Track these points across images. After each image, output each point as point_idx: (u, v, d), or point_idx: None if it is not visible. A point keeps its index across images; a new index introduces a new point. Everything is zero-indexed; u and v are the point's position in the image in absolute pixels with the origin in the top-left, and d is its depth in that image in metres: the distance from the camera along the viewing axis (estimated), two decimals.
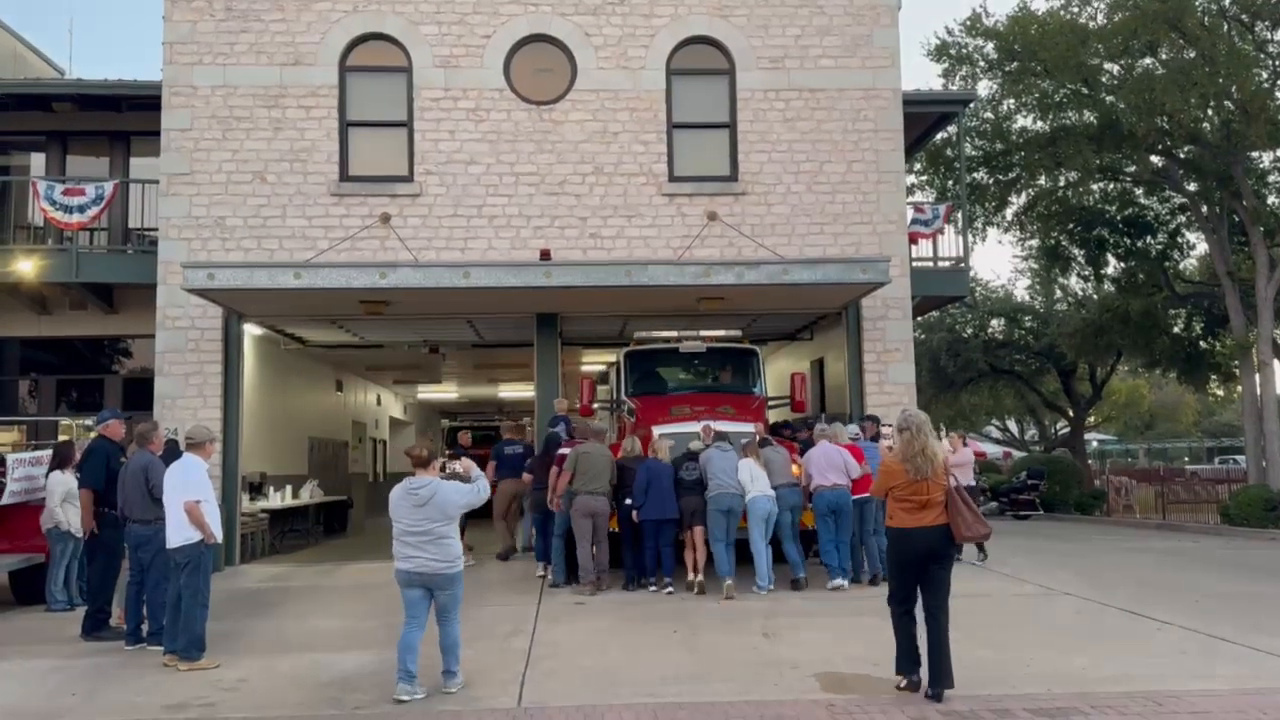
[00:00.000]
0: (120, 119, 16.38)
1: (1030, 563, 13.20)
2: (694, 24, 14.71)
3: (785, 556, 11.13)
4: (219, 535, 8.04)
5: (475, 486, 7.11)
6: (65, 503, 10.07)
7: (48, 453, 11.07)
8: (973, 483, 13.41)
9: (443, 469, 7.30)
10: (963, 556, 12.89)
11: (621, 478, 11.20)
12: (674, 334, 14.46)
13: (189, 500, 7.76)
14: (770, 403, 14.75)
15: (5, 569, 10.64)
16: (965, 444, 13.90)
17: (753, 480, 10.85)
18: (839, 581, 10.89)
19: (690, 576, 10.86)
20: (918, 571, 6.64)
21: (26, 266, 14.75)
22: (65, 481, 10.08)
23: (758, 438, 11.58)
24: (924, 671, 6.67)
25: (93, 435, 9.60)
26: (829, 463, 11.02)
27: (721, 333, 14.73)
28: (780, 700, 6.58)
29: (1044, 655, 7.70)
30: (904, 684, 6.70)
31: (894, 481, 6.69)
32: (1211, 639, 8.25)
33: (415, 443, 7.29)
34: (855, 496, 11.04)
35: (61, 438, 12.77)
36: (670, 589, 10.78)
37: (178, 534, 7.80)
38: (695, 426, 11.72)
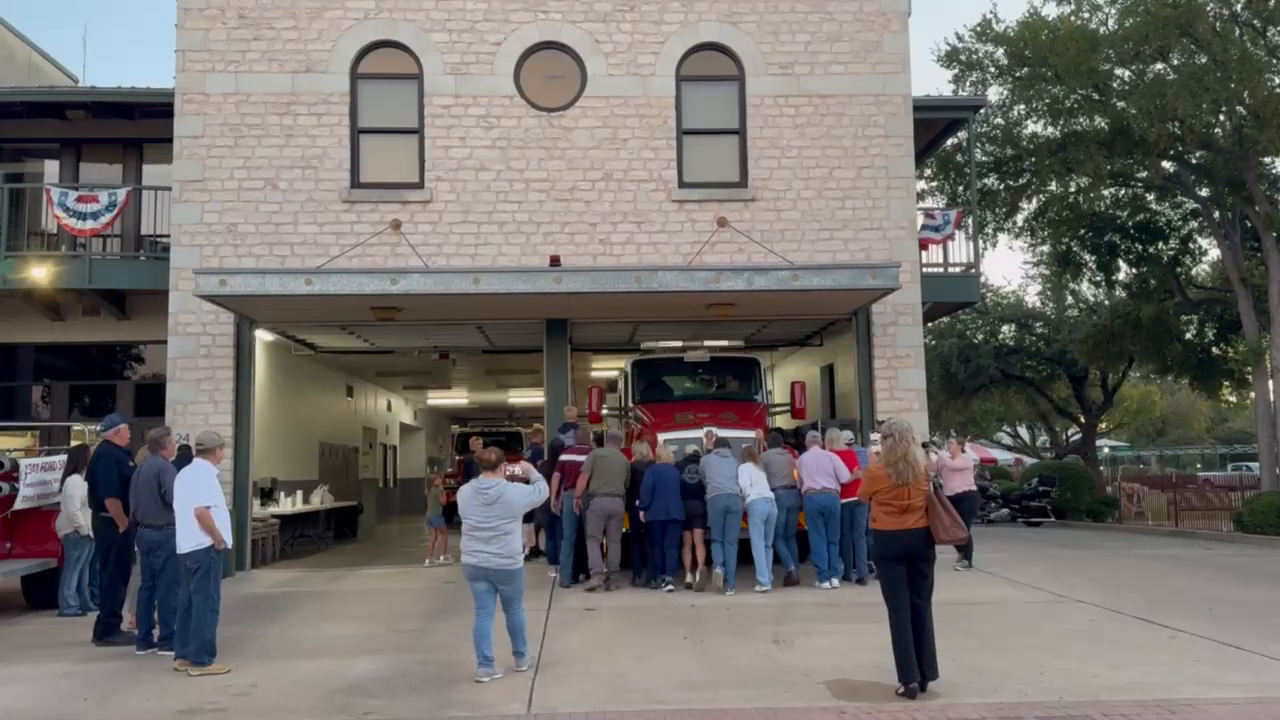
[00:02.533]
0: (133, 126, 16.47)
1: (1042, 570, 13.13)
2: (704, 30, 14.73)
3: (778, 555, 11.67)
4: (229, 540, 8.06)
5: (536, 488, 7.82)
6: (84, 507, 10.08)
7: (60, 458, 11.14)
8: (972, 487, 13.30)
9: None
10: (970, 563, 12.90)
11: (634, 481, 11.75)
12: (678, 343, 14.96)
13: (199, 506, 7.78)
14: (772, 409, 15.30)
15: (18, 574, 10.69)
16: (964, 449, 13.86)
17: (752, 484, 11.34)
18: (826, 584, 11.44)
19: (689, 575, 11.50)
20: (903, 571, 6.90)
21: (40, 273, 14.85)
22: (83, 485, 10.08)
23: (760, 443, 12.18)
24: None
25: (99, 440, 9.60)
26: (819, 467, 11.63)
27: (724, 343, 15.18)
28: (791, 708, 6.56)
29: (1056, 663, 7.66)
30: (902, 690, 6.78)
31: (877, 486, 7.01)
32: (1225, 647, 8.20)
33: (485, 449, 8.01)
34: (845, 500, 11.54)
35: (74, 443, 12.83)
36: (671, 586, 11.32)
37: (188, 539, 7.83)
38: (699, 433, 12.33)
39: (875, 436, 11.63)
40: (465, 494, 7.66)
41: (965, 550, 12.90)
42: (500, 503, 7.46)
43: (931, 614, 6.93)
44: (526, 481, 7.92)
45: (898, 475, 6.87)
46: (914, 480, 6.87)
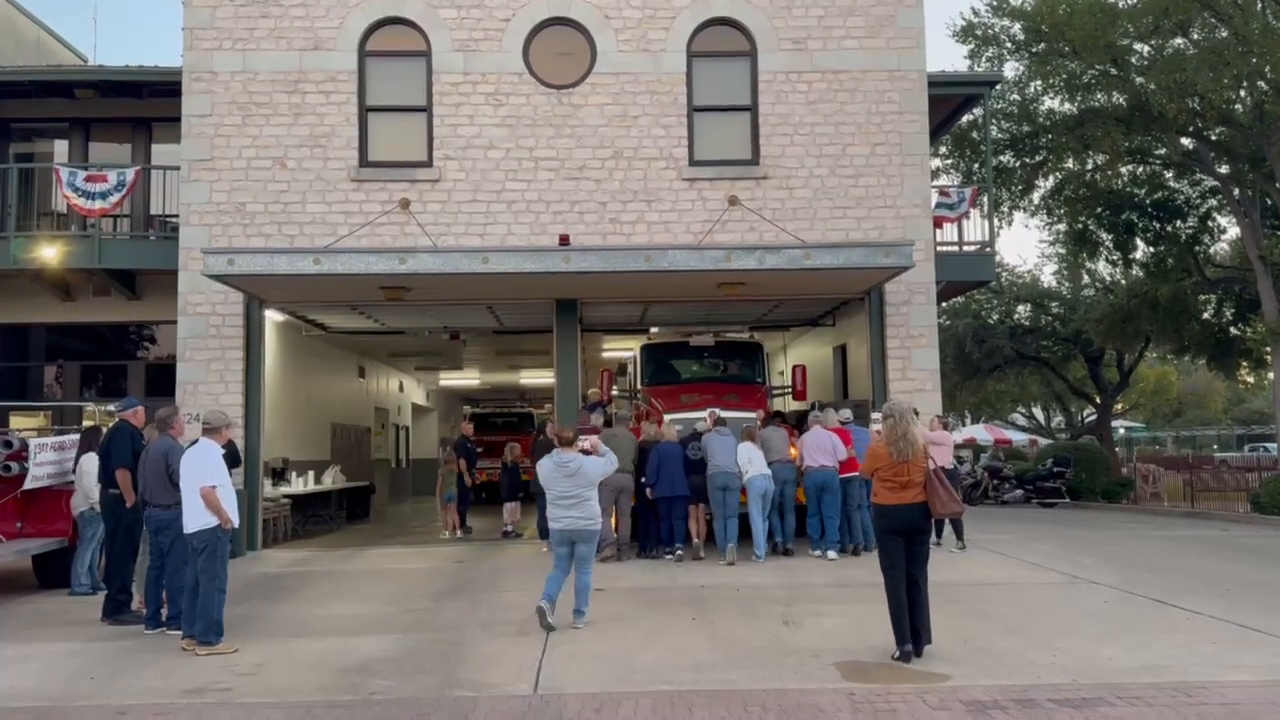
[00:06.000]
0: (142, 105, 16.43)
1: (1056, 550, 13.02)
2: (715, 5, 14.53)
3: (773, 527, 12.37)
4: (236, 520, 8.03)
5: (607, 460, 8.79)
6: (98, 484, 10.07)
7: (71, 437, 11.15)
8: (950, 464, 13.04)
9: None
10: (941, 542, 12.73)
11: (642, 459, 12.37)
12: (684, 330, 15.83)
13: (204, 485, 7.75)
14: (774, 392, 16.05)
15: (29, 552, 10.71)
16: (944, 427, 13.72)
17: (750, 461, 11.97)
18: (818, 552, 12.15)
19: (694, 544, 12.25)
20: (902, 543, 7.31)
21: (50, 253, 14.83)
22: (97, 463, 10.07)
23: (758, 422, 12.87)
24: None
25: (114, 420, 9.60)
26: (818, 446, 12.22)
27: (734, 331, 16.12)
28: (800, 689, 6.49)
29: (1070, 644, 7.57)
30: (897, 654, 7.14)
31: (879, 463, 7.41)
32: (1241, 628, 8.09)
33: (562, 427, 9.31)
34: (842, 476, 12.15)
35: (87, 423, 12.84)
36: (679, 554, 12.08)
37: (194, 519, 7.81)
38: (702, 413, 12.83)
39: (876, 416, 11.99)
40: (546, 468, 8.59)
41: (957, 530, 12.76)
42: (580, 474, 8.45)
43: (927, 583, 7.32)
44: (598, 455, 8.82)
45: (898, 453, 7.24)
46: (913, 458, 7.25)
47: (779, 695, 6.36)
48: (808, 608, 9.11)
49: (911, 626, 7.20)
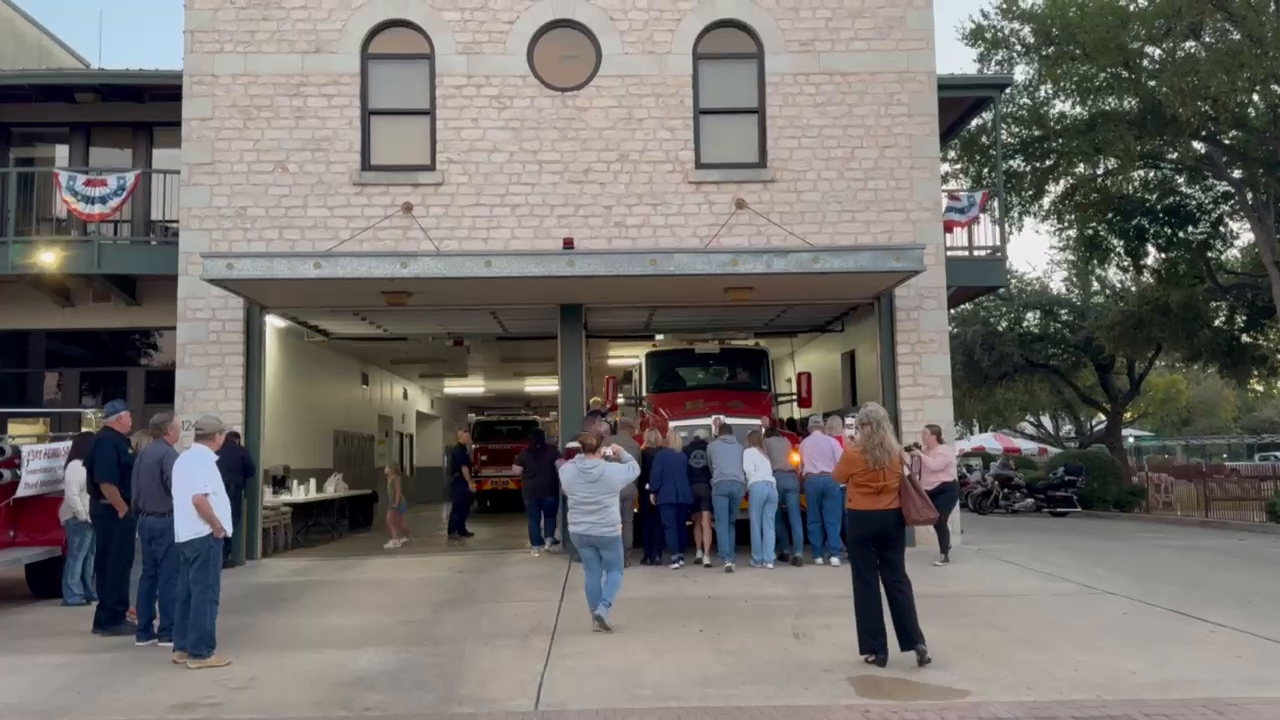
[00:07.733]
0: (142, 109, 16.29)
1: (1070, 560, 12.74)
2: (722, 7, 14.34)
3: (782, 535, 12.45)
4: (229, 529, 7.80)
5: (629, 466, 8.85)
6: (82, 493, 9.89)
7: (65, 445, 10.94)
8: (952, 478, 12.35)
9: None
10: (947, 557, 12.33)
11: (645, 466, 12.20)
12: (690, 337, 16.07)
13: (197, 493, 7.53)
14: (779, 399, 16.12)
15: (22, 562, 10.50)
16: (940, 441, 12.37)
17: (755, 468, 11.97)
18: (821, 559, 12.08)
19: (699, 553, 12.31)
20: (875, 549, 7.32)
21: (49, 258, 14.67)
22: (83, 471, 9.89)
23: (763, 429, 12.81)
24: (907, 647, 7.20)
25: (101, 427, 9.41)
26: (819, 451, 12.15)
27: (740, 337, 16.32)
28: (812, 705, 6.24)
29: (1090, 658, 7.30)
30: (871, 659, 7.14)
31: (854, 469, 7.40)
32: (1270, 642, 7.81)
33: (585, 432, 9.35)
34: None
35: (85, 430, 12.64)
36: (679, 563, 12.08)
37: (186, 527, 7.58)
38: (707, 420, 12.98)
39: (850, 420, 12.05)
40: (570, 474, 8.68)
41: (942, 543, 12.18)
42: (602, 480, 8.56)
43: (910, 588, 7.25)
44: (619, 462, 8.88)
45: (874, 460, 7.26)
46: (889, 464, 7.27)
47: (790, 712, 6.11)
48: (818, 620, 8.85)
49: (904, 631, 7.15)
